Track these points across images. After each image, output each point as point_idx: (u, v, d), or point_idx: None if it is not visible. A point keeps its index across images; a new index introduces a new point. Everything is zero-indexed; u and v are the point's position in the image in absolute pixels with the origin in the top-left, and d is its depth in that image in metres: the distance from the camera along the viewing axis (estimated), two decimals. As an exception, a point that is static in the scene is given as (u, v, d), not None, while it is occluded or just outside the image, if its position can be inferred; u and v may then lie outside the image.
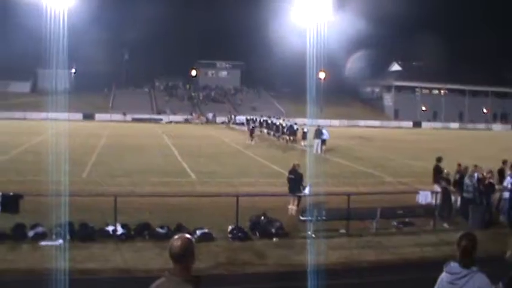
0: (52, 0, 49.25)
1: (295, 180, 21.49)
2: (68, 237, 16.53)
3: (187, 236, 5.31)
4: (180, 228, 17.73)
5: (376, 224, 19.38)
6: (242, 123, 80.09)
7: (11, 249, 15.82)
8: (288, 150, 47.64)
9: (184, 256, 5.09)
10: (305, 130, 53.54)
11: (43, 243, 16.39)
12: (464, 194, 21.01)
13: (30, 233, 16.91)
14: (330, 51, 77.63)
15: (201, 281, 5.12)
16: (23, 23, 79.19)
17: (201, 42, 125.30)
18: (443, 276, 6.44)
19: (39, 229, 17.10)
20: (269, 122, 66.26)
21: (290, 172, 21.89)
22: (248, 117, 78.58)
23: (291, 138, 55.05)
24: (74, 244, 16.01)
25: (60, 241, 16.43)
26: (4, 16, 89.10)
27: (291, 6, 67.49)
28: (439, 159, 23.36)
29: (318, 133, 46.91)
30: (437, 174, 22.54)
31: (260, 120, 71.38)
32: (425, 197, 20.42)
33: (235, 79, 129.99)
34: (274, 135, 60.71)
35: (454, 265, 6.34)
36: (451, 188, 21.58)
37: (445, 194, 21.05)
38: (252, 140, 54.74)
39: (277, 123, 61.99)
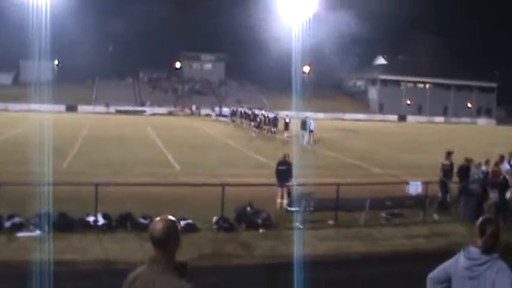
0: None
1: (287, 171, 20.93)
2: (46, 228, 15.93)
3: (170, 217, 4.62)
4: (163, 219, 17.18)
5: (365, 215, 18.95)
6: (226, 116, 79.60)
7: (-13, 240, 15.24)
8: (272, 141, 47.38)
9: (167, 240, 4.44)
10: (287, 121, 53.66)
11: (20, 234, 15.81)
12: (471, 186, 20.47)
13: (7, 224, 16.30)
14: (315, 44, 77.36)
15: (186, 268, 4.49)
16: (5, 14, 78.17)
17: (186, 34, 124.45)
18: (461, 259, 5.85)
19: (16, 220, 16.48)
20: (251, 113, 66.08)
21: (280, 163, 21.27)
22: (232, 109, 78.46)
23: (273, 129, 55.05)
24: (52, 235, 15.41)
25: (38, 232, 15.85)
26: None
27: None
28: (468, 160, 22.03)
29: (304, 124, 46.75)
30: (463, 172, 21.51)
31: (241, 112, 71.32)
32: (415, 188, 19.97)
33: (219, 71, 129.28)
34: (257, 126, 60.41)
35: (474, 250, 5.73)
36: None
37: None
38: (271, 132, 54.59)
39: (259, 114, 61.85)
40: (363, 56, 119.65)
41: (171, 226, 4.49)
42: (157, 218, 4.58)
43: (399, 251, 15.91)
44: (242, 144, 44.09)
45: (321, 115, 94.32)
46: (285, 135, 52.50)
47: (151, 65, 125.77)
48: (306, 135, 46.25)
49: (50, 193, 16.68)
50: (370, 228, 18.21)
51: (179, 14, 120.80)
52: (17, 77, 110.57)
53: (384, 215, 19.64)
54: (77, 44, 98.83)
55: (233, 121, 73.38)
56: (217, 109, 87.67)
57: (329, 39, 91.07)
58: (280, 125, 55.04)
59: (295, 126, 49.49)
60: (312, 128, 46.95)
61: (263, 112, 62.94)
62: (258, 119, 61.02)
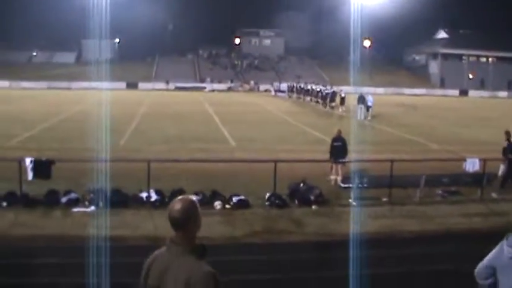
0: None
1: (341, 148, 20.65)
2: (101, 203, 16.14)
3: (190, 197, 4.50)
4: (215, 195, 17.24)
5: (420, 193, 18.54)
6: (284, 91, 79.27)
7: (43, 215, 15.59)
8: (328, 117, 47.00)
9: (186, 221, 4.28)
10: (342, 95, 53.24)
11: (75, 209, 16.08)
12: None
13: (63, 199, 16.62)
14: (375, 18, 76.10)
15: (206, 250, 4.34)
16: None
17: (245, 10, 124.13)
18: (505, 249, 5.57)
19: (72, 195, 16.79)
20: (309, 88, 65.89)
21: (335, 139, 21.00)
22: (289, 84, 78.10)
23: (331, 104, 54.86)
24: (106, 211, 15.59)
25: (93, 208, 16.08)
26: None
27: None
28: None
29: (361, 99, 46.23)
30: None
31: (298, 87, 71.17)
32: (472, 165, 19.38)
33: (278, 47, 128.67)
34: (316, 101, 60.16)
35: None
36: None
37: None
38: (329, 107, 54.33)
39: (316, 89, 61.59)
40: (423, 30, 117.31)
41: (191, 207, 4.34)
42: (177, 198, 4.44)
43: (454, 229, 15.45)
44: (299, 119, 43.80)
45: (380, 90, 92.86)
46: (341, 110, 52.10)
47: (211, 42, 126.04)
48: (363, 110, 45.70)
49: (106, 170, 16.87)
50: (425, 206, 17.80)
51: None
52: (79, 56, 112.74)
53: (439, 192, 19.16)
54: (137, 22, 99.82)
55: (290, 96, 73.09)
56: (276, 84, 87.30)
57: (390, 13, 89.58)
58: (337, 100, 54.55)
59: (352, 101, 48.94)
60: (369, 103, 46.38)
61: (320, 87, 62.60)
62: (315, 94, 60.91)
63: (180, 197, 4.45)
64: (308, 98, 64.78)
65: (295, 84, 74.65)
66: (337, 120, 42.76)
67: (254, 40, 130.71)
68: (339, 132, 21.27)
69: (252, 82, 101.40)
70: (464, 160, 19.97)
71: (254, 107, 57.43)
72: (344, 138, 21.03)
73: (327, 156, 21.09)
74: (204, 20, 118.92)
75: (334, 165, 20.60)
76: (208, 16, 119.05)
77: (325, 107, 55.02)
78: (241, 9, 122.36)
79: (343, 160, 20.46)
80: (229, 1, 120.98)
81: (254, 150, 27.59)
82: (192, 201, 4.41)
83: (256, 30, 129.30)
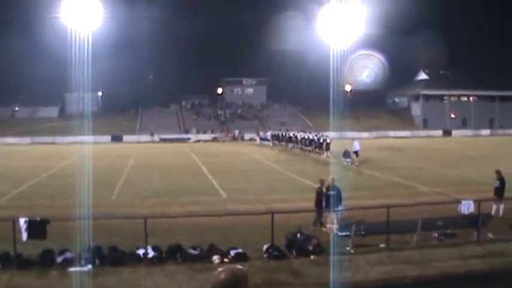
0: (77, 24, 49.18)
1: (336, 196, 20.70)
2: (97, 262, 15.98)
3: (237, 268, 4.18)
4: (213, 249, 17.16)
5: (417, 237, 18.56)
6: (268, 139, 79.54)
7: (39, 276, 15.40)
8: (316, 164, 47.04)
9: None
10: (327, 141, 53.59)
11: (72, 269, 15.87)
12: None
13: (59, 259, 16.42)
14: (354, 63, 77.11)
15: None
16: (48, 49, 79.59)
17: (226, 59, 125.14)
18: None
19: (68, 254, 16.60)
20: (295, 135, 66.54)
21: (329, 188, 21.09)
22: (273, 132, 78.32)
23: (317, 150, 55.63)
24: (103, 269, 15.46)
25: (89, 266, 15.90)
26: (30, 42, 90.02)
27: (313, 21, 67.10)
28: None
29: (347, 154, 46.55)
30: None
31: (282, 135, 71.72)
32: (467, 207, 19.49)
33: (261, 95, 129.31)
34: (304, 149, 60.57)
35: None
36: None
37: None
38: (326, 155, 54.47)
39: (306, 137, 62.03)
40: (404, 72, 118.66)
41: (233, 278, 4.03)
42: (221, 268, 4.15)
43: (453, 273, 15.47)
44: (287, 167, 43.83)
45: (365, 134, 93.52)
46: (325, 155, 52.47)
47: (193, 92, 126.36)
48: (349, 161, 45.94)
49: (101, 226, 16.75)
50: (423, 250, 17.81)
51: (218, 41, 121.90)
52: (63, 110, 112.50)
53: (436, 235, 19.21)
54: (119, 74, 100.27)
55: (275, 144, 73.36)
56: (262, 133, 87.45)
57: (369, 58, 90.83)
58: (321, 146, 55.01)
59: (337, 147, 49.25)
60: (356, 148, 46.63)
61: (308, 134, 62.96)
62: (304, 142, 61.35)
63: (225, 267, 4.15)
64: (290, 145, 66.04)
65: (280, 132, 74.97)
66: (324, 167, 42.85)
67: (237, 89, 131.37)
68: (333, 180, 21.36)
69: (236, 131, 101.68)
70: (459, 202, 20.07)
71: (241, 157, 57.47)
72: (338, 187, 21.10)
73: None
74: (185, 71, 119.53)
75: (329, 214, 20.61)
76: (190, 66, 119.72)
77: (320, 154, 55.03)
78: (222, 58, 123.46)
79: (338, 209, 20.49)
80: (210, 51, 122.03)
81: (246, 201, 27.57)
82: (237, 272, 4.10)
83: (239, 79, 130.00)
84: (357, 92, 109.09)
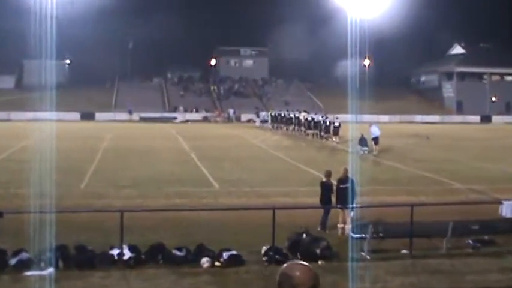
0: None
1: (349, 190, 20.62)
2: (60, 264, 15.89)
3: (306, 264, 4.58)
4: (201, 250, 17.13)
5: (446, 243, 18.52)
6: (266, 121, 79.69)
7: (-13, 281, 15.25)
8: (325, 151, 47.08)
9: None
10: (336, 124, 53.73)
11: (29, 273, 15.71)
12: None
13: (12, 261, 16.20)
14: (377, 33, 76.80)
15: None
16: (6, 7, 79.37)
17: (222, 25, 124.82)
18: None
19: (24, 256, 16.40)
20: (293, 116, 67.16)
21: (342, 181, 21.00)
22: (273, 113, 78.40)
23: (324, 135, 56.48)
24: (68, 273, 15.37)
25: (51, 270, 15.74)
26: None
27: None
28: None
29: (363, 141, 46.26)
30: None
31: (282, 116, 72.46)
32: (510, 209, 19.43)
33: (262, 68, 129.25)
34: (304, 132, 61.19)
35: None
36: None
37: None
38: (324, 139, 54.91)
39: (303, 118, 62.32)
40: (435, 45, 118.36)
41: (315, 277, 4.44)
42: (290, 266, 4.55)
43: (492, 288, 15.47)
44: (291, 155, 43.84)
45: (385, 118, 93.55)
46: (334, 141, 52.81)
47: (181, 63, 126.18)
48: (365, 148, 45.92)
49: (66, 221, 16.68)
50: (454, 259, 17.77)
51: (213, 2, 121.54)
52: (20, 80, 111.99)
53: (470, 242, 19.16)
54: (91, 39, 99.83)
55: (275, 128, 73.57)
56: (262, 114, 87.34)
57: (394, 26, 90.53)
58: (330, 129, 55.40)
59: (348, 131, 49.32)
60: (375, 134, 46.44)
61: (310, 115, 63.04)
62: (304, 124, 61.73)
63: (294, 264, 4.60)
64: (291, 128, 67.50)
65: (279, 113, 75.16)
66: (335, 155, 42.92)
67: (234, 60, 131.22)
68: (346, 171, 21.31)
69: (231, 111, 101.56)
70: (500, 203, 20.01)
71: (237, 141, 57.50)
72: (352, 180, 21.03)
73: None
74: (172, 37, 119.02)
75: (341, 211, 20.57)
76: (177, 32, 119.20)
77: (328, 139, 55.17)
78: (217, 23, 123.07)
79: (352, 205, 20.43)
80: (203, 14, 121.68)
81: (242, 194, 27.58)
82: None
83: (236, 48, 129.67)
84: (377, 68, 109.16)
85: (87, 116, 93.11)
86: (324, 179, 21.66)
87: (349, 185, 20.75)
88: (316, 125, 58.92)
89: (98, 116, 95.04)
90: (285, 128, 70.53)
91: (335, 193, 21.00)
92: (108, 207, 21.90)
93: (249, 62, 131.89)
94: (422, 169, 37.05)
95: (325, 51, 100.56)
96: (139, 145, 50.79)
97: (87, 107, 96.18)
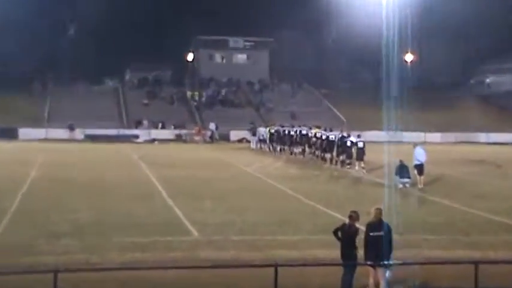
0: None
1: (384, 240, 20.46)
2: None
3: None
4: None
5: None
6: (263, 139, 79.81)
7: None
8: (347, 183, 47.13)
9: None
10: (360, 145, 53.70)
11: None
12: None
13: None
14: (424, 16, 77.10)
15: None
16: None
17: (204, 6, 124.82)
18: None
19: None
20: (302, 134, 68.08)
21: (372, 226, 20.82)
22: (273, 130, 78.43)
23: (346, 159, 56.84)
24: None
25: None
26: None
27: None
28: None
29: (403, 170, 45.78)
30: None
31: (286, 133, 73.09)
32: None
33: (260, 67, 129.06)
34: (314, 154, 61.50)
35: None
36: None
37: None
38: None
39: (321, 137, 62.44)
40: (507, 34, 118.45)
41: None
42: None
43: None
44: (299, 188, 43.81)
45: (436, 136, 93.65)
46: (357, 168, 53.95)
47: (146, 59, 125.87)
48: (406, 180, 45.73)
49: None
50: None
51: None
52: None
53: None
54: (14, 25, 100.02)
55: (280, 150, 73.53)
56: (260, 131, 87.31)
57: (447, 8, 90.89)
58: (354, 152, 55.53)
59: (388, 156, 49.23)
60: (420, 159, 46.18)
61: (325, 133, 62.92)
62: (314, 143, 61.86)
63: None
64: (297, 150, 68.62)
65: (281, 129, 75.31)
66: (362, 189, 42.87)
67: (220, 55, 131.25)
68: (378, 213, 21.10)
69: (212, 125, 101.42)
70: None
71: (224, 169, 57.71)
72: (388, 225, 20.86)
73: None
74: (132, 23, 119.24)
75: (372, 269, 20.47)
76: (140, 16, 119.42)
77: (350, 166, 55.31)
78: (197, 3, 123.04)
79: (389, 261, 20.32)
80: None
81: (231, 244, 27.51)
82: None
83: (223, 38, 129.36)
84: (424, 65, 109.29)
85: (7, 133, 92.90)
86: (347, 224, 21.49)
87: (383, 232, 20.61)
88: (330, 145, 59.23)
89: (23, 132, 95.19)
90: (290, 151, 70.80)
91: (363, 244, 20.85)
92: (37, 265, 21.70)
93: (241, 58, 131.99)
94: (489, 210, 36.96)
95: (349, 44, 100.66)
96: (84, 175, 50.74)
97: (7, 121, 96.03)
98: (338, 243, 21.31)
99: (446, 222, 33.03)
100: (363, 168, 53.07)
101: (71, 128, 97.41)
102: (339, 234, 21.06)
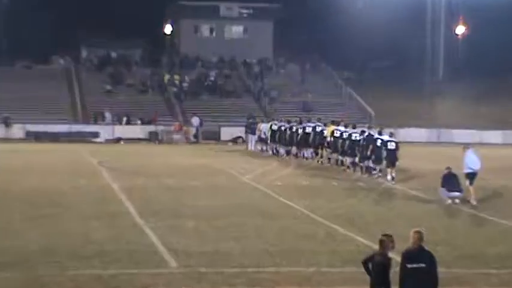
0: None
1: (426, 274, 20.58)
2: None
3: None
4: None
5: None
6: (264, 139, 79.94)
7: None
8: (377, 197, 47.35)
9: None
10: (390, 147, 53.67)
11: None
12: None
13: None
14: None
15: None
16: None
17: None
18: None
19: None
20: (316, 132, 68.29)
21: (411, 256, 20.89)
22: (276, 126, 78.81)
23: (374, 165, 56.97)
24: None
25: None
26: None
27: None
28: None
29: (453, 180, 45.54)
30: None
31: (293, 130, 73.32)
32: None
33: (262, 42, 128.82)
34: (340, 162, 61.74)
35: None
36: None
37: None
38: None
39: (341, 135, 62.49)
40: None
41: None
42: None
43: None
44: (314, 205, 43.95)
45: (494, 135, 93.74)
46: (388, 177, 54.05)
47: (108, 32, 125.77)
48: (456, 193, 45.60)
49: None
50: None
51: None
52: None
53: None
54: None
55: (287, 153, 73.66)
56: (263, 127, 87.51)
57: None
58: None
59: (429, 162, 49.39)
60: (474, 167, 46.00)
61: (340, 128, 63.02)
62: (332, 144, 62.07)
63: None
64: (308, 153, 69.20)
65: (292, 126, 74.82)
66: (396, 206, 43.06)
67: (208, 26, 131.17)
68: (419, 239, 21.16)
69: (194, 120, 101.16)
70: None
71: (213, 179, 57.65)
72: (431, 255, 20.94)
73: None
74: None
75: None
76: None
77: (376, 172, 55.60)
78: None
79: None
80: None
81: (221, 278, 27.57)
82: None
83: (213, 4, 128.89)
84: (479, 39, 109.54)
85: None
86: (378, 252, 21.61)
87: (424, 264, 20.72)
88: (352, 146, 59.60)
89: None
90: (298, 154, 71.15)
91: (399, 279, 20.98)
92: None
93: (236, 30, 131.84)
94: None
95: (382, 13, 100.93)
96: (27, 187, 50.81)
97: None
98: (367, 278, 21.42)
99: (509, 252, 33.18)
100: (393, 177, 53.08)
101: (6, 123, 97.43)
102: (370, 265, 21.11)
